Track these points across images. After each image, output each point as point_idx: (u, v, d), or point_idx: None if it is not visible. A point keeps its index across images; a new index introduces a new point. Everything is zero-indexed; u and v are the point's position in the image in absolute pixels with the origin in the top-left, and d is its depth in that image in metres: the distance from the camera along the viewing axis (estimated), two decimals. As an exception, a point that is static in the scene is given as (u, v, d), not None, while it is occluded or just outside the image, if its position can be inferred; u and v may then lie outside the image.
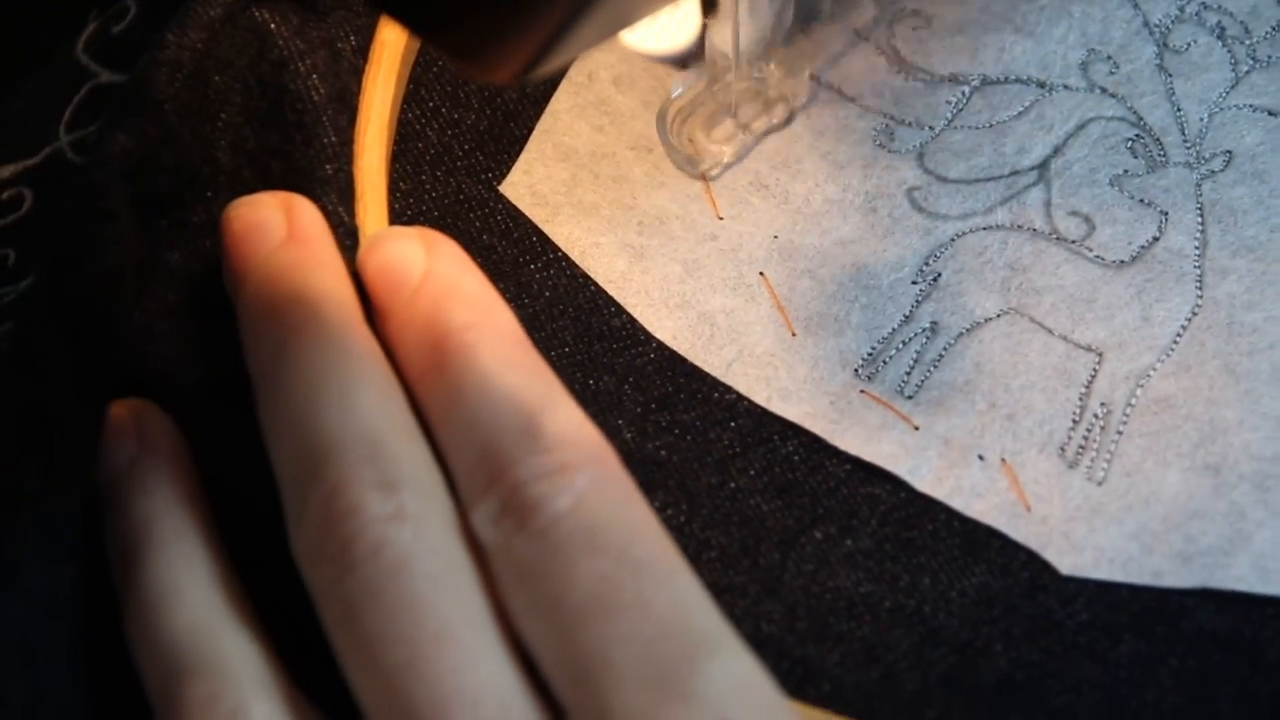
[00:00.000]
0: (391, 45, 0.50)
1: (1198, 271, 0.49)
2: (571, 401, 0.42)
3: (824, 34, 0.53)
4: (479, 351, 0.42)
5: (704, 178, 0.51)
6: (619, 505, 0.40)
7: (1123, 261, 0.50)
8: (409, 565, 0.39)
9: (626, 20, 0.43)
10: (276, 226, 0.45)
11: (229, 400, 0.45)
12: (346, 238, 0.47)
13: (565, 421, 0.41)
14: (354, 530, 0.39)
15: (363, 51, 0.50)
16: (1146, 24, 0.53)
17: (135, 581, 0.43)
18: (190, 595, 0.42)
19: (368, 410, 0.41)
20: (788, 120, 0.52)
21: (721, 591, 0.46)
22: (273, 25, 0.48)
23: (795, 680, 0.45)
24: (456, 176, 0.51)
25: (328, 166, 0.48)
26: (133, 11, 0.54)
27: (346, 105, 0.49)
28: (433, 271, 0.44)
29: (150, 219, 0.47)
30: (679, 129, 0.52)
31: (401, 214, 0.51)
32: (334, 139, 0.48)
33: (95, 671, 0.43)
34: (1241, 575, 0.45)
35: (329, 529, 0.40)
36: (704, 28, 0.49)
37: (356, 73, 0.50)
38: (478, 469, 0.41)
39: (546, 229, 0.51)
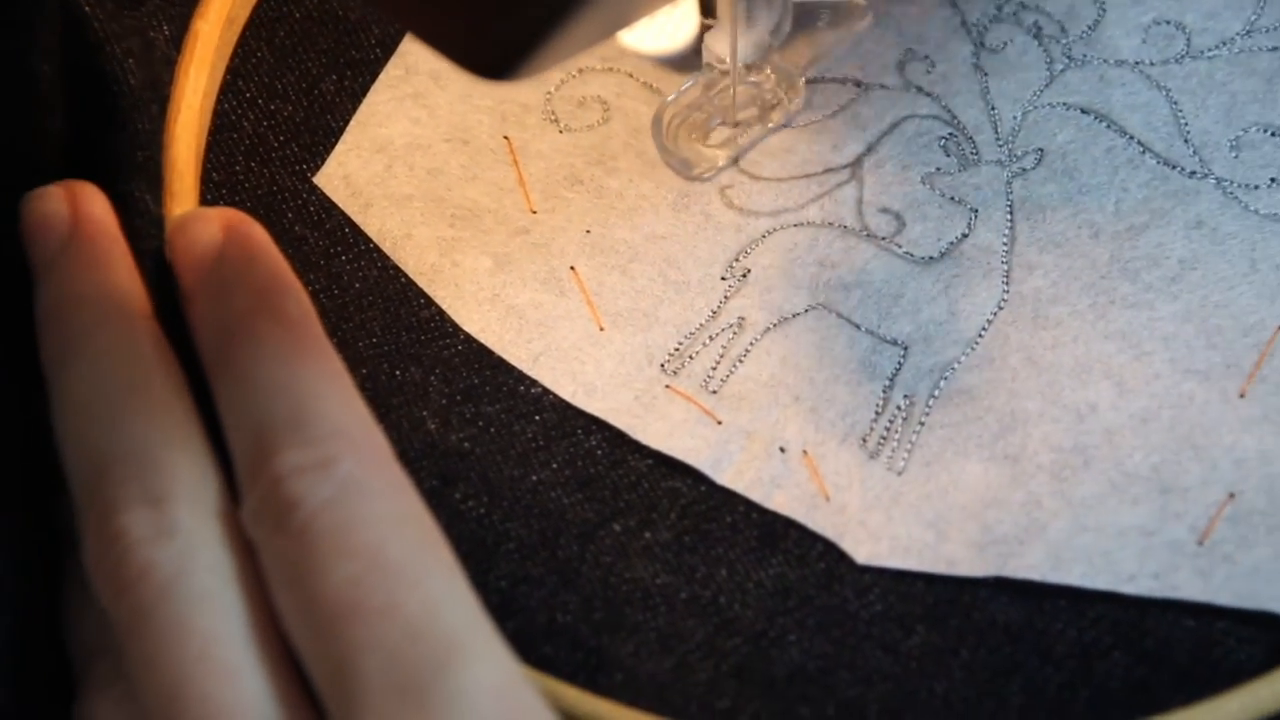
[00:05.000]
0: (205, 36, 0.50)
1: (1005, 267, 0.49)
2: (352, 391, 0.41)
3: (821, 40, 0.53)
4: (260, 339, 0.41)
5: (699, 179, 0.51)
6: (378, 500, 0.39)
7: (931, 258, 0.50)
8: (174, 586, 0.38)
9: (624, 20, 0.42)
10: (60, 221, 0.44)
11: None
12: (152, 226, 0.47)
13: (337, 412, 0.40)
14: (122, 553, 0.39)
15: (176, 42, 0.50)
16: (964, 23, 0.53)
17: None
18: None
19: (138, 421, 0.41)
20: (784, 125, 0.52)
21: (519, 583, 0.45)
22: (87, 8, 0.48)
23: (589, 670, 0.44)
24: (271, 167, 0.51)
25: (139, 153, 0.48)
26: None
27: (158, 94, 0.49)
28: (225, 256, 0.44)
29: None
30: (674, 132, 0.51)
31: (215, 204, 0.50)
32: (147, 126, 0.48)
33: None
34: (1034, 564, 0.45)
35: (102, 552, 0.39)
36: (701, 30, 0.48)
37: (169, 63, 0.50)
38: (246, 461, 0.40)
39: (359, 220, 0.50)
